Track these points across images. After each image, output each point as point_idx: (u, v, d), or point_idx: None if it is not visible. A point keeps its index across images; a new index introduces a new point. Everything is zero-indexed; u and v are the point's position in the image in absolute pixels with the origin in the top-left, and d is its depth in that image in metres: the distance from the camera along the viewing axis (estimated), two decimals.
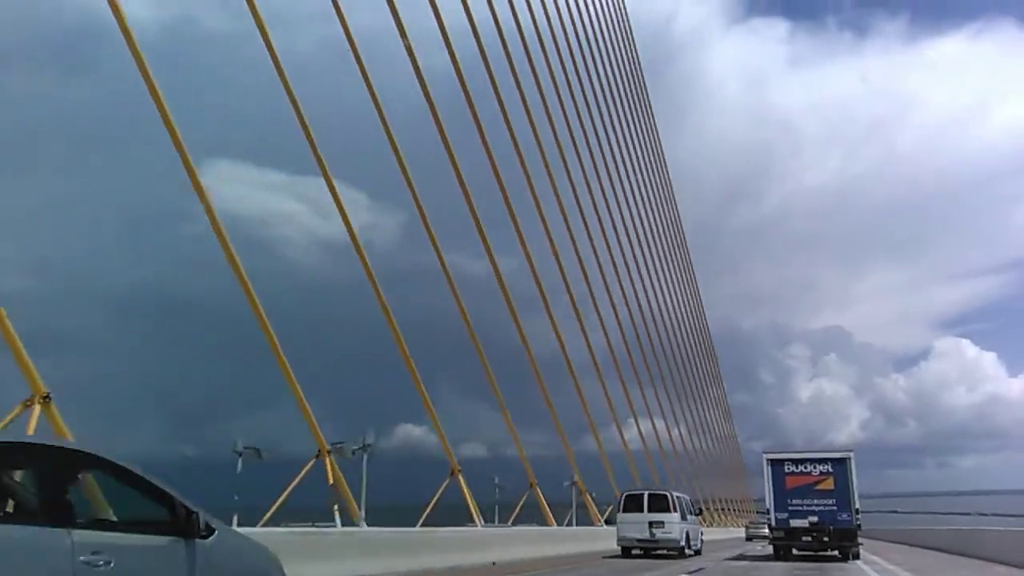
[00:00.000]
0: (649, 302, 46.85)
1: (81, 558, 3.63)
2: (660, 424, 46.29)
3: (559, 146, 32.50)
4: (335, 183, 17.18)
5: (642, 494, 22.30)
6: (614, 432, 37.35)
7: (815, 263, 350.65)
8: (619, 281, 39.97)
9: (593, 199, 36.70)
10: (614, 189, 42.09)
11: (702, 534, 24.82)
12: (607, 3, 47.51)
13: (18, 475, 4.06)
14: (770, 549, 22.09)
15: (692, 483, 52.86)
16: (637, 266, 44.17)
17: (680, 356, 52.05)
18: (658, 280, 49.07)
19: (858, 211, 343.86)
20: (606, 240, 38.14)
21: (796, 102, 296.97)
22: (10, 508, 3.92)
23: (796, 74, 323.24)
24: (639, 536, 21.38)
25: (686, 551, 21.65)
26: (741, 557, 23.02)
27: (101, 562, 3.71)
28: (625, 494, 22.89)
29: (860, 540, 21.04)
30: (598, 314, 34.64)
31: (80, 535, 3.74)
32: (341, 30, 18.00)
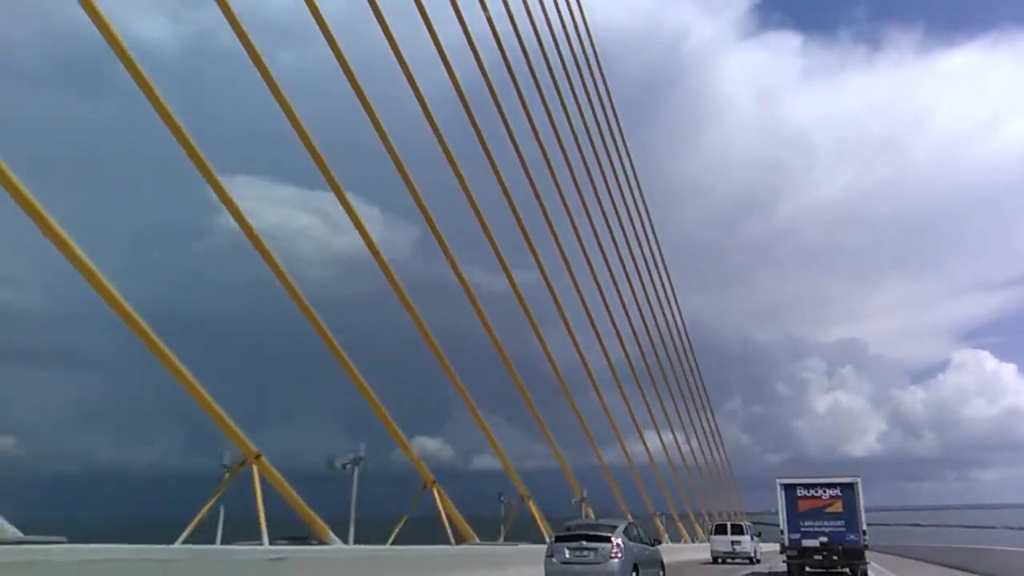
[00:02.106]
0: (654, 317, 46.38)
1: (646, 553, 16.14)
2: (665, 439, 46.11)
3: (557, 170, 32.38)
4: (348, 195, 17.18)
5: (726, 524, 35.45)
6: (622, 446, 37.39)
7: (829, 276, 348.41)
8: (620, 296, 39.60)
9: (591, 219, 36.19)
10: (617, 214, 41.73)
11: (761, 549, 35.21)
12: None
13: (632, 531, 16.18)
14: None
15: (696, 497, 53.14)
16: (627, 284, 43.07)
17: (672, 373, 51.18)
18: (646, 299, 47.63)
19: (871, 224, 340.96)
20: (605, 258, 37.76)
21: (809, 115, 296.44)
22: (639, 539, 16.14)
23: (809, 87, 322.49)
24: (725, 550, 32.85)
25: (753, 560, 32.57)
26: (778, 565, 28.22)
27: (648, 552, 16.30)
28: (716, 524, 36.88)
29: (868, 559, 22.73)
30: (595, 331, 34.36)
31: (644, 546, 16.30)
32: (359, 47, 18.03)
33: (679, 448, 48.84)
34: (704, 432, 60.29)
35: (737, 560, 32.43)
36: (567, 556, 14.41)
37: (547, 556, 14.79)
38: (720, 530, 34.29)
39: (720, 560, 32.74)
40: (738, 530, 33.56)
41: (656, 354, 44.90)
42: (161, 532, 12.78)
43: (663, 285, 53.42)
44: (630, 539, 15.16)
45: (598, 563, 14.09)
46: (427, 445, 19.30)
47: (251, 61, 15.30)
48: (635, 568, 14.84)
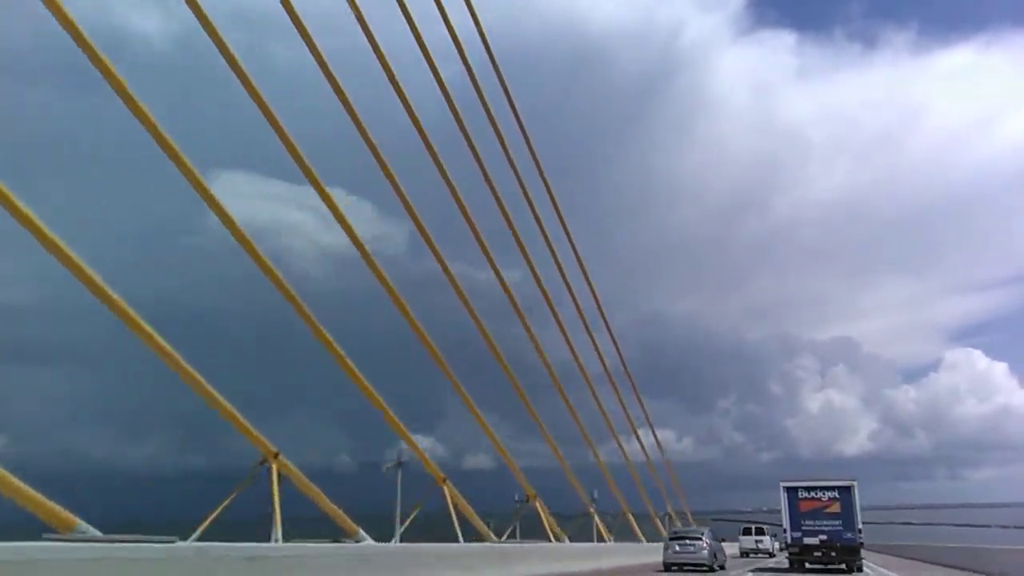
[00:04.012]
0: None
1: (718, 546, 26.28)
2: (654, 439, 46.27)
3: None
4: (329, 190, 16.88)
5: (751, 527, 43.19)
6: (627, 444, 37.87)
7: (823, 274, 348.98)
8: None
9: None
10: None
11: (775, 546, 41.91)
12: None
13: (711, 533, 26.04)
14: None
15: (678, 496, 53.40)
16: None
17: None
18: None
19: (867, 221, 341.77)
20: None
21: (804, 113, 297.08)
22: (714, 538, 26.03)
23: (804, 85, 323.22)
24: (750, 548, 41.54)
25: (772, 554, 40.51)
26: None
27: (719, 546, 26.77)
28: (743, 527, 43.93)
29: (864, 555, 25.22)
30: (588, 332, 34.24)
31: (717, 543, 26.09)
32: (351, 44, 17.65)
33: (663, 448, 49.07)
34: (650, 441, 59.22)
35: (760, 554, 40.91)
36: (677, 549, 24.18)
37: (664, 549, 24.61)
38: (747, 532, 42.95)
39: (747, 555, 41.11)
40: (760, 531, 42.40)
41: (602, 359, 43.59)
42: (167, 532, 12.50)
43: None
44: (711, 539, 24.80)
45: (695, 552, 23.87)
46: (420, 444, 19.27)
47: (228, 58, 14.99)
48: (714, 555, 24.33)
